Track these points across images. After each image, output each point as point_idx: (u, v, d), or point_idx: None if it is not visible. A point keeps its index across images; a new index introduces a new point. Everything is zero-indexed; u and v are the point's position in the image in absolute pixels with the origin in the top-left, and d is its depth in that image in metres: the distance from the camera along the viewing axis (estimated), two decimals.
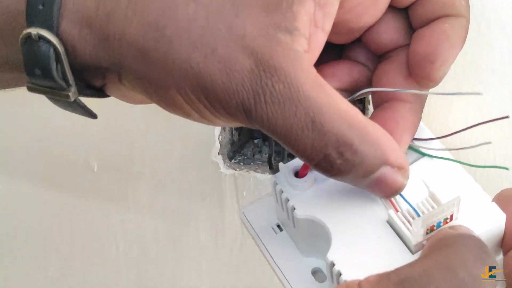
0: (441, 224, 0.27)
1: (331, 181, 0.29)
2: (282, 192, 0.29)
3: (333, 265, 0.27)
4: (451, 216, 0.27)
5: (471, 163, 0.30)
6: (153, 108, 0.47)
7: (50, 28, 0.25)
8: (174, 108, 0.26)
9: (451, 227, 0.26)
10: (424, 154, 0.30)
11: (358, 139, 0.25)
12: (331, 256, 0.27)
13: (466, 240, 0.24)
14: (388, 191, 0.27)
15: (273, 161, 0.46)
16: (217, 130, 0.48)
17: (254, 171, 0.48)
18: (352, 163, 0.25)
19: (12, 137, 0.55)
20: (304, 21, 0.24)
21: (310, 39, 0.25)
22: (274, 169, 0.43)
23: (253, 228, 0.32)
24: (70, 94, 0.26)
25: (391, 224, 0.28)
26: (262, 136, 0.50)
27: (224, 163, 0.49)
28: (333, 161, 0.25)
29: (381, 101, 0.30)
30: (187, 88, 0.25)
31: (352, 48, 0.31)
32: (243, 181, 0.50)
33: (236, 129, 0.49)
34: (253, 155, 0.50)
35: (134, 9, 0.25)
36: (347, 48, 0.32)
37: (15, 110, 0.52)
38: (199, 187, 0.52)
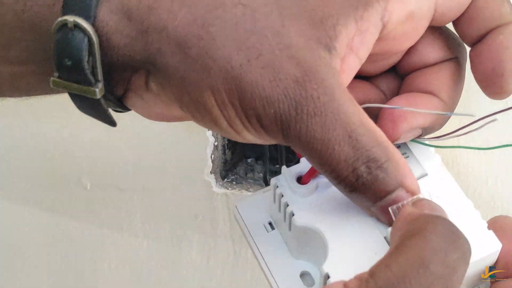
0: None
1: (332, 190, 0.29)
2: (282, 196, 0.29)
3: (328, 277, 0.27)
4: None
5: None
6: (146, 127, 0.49)
7: (87, 17, 0.24)
8: (203, 113, 0.25)
9: (414, 204, 0.26)
10: (429, 145, 0.30)
11: (384, 156, 0.25)
12: (327, 268, 0.27)
13: (434, 224, 0.24)
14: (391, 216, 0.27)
15: (268, 179, 0.47)
16: (210, 148, 0.48)
17: (246, 190, 0.48)
18: (376, 179, 0.25)
19: (4, 155, 0.55)
20: (342, 42, 0.25)
21: (343, 62, 0.25)
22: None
23: (245, 224, 0.31)
24: (97, 90, 0.25)
25: (388, 241, 0.28)
26: (255, 155, 0.50)
27: (216, 182, 0.49)
28: (360, 175, 0.25)
29: (479, 33, 0.29)
30: (222, 89, 0.24)
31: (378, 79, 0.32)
32: (235, 200, 0.50)
33: (229, 147, 0.49)
34: (246, 174, 0.50)
35: (181, 3, 0.24)
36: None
37: (7, 128, 0.53)
38: (192, 206, 0.51)
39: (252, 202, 0.32)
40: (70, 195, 0.54)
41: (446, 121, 0.30)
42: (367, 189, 0.25)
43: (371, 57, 0.27)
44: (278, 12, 0.24)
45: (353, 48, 0.25)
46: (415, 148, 0.31)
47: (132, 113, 0.29)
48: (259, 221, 0.31)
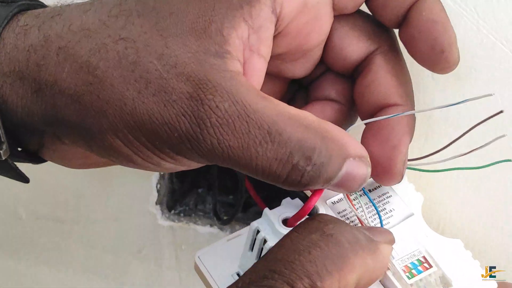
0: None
1: None
2: (266, 241, 0.28)
3: None
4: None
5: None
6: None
7: None
8: (115, 155, 0.25)
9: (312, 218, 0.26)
10: (424, 171, 0.30)
11: (319, 139, 0.25)
12: None
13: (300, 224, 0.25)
14: (355, 185, 0.27)
15: (218, 211, 0.45)
16: (155, 177, 0.46)
17: (194, 223, 0.47)
18: (320, 166, 0.25)
19: None
20: (236, 45, 0.25)
21: (246, 64, 0.25)
22: (222, 220, 0.43)
23: (211, 276, 0.30)
24: (1, 152, 0.26)
25: (384, 284, 0.28)
26: (207, 184, 0.49)
27: (162, 214, 0.47)
28: (303, 169, 0.25)
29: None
30: (123, 128, 0.24)
31: (319, 85, 0.32)
32: (182, 234, 0.48)
33: (177, 176, 0.47)
34: (196, 205, 0.49)
35: (65, 54, 0.25)
36: (313, 88, 0.32)
37: None
38: (135, 239, 0.50)
39: (216, 251, 0.31)
40: (3, 225, 0.53)
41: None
42: (317, 178, 0.25)
43: (287, 57, 0.28)
44: (159, 35, 0.25)
45: (253, 48, 0.25)
46: (396, 186, 0.31)
47: None
48: (226, 273, 0.30)
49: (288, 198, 0.30)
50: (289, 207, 0.29)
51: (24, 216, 0.52)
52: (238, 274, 0.30)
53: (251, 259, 0.29)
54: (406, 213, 0.31)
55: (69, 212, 0.51)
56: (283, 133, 0.24)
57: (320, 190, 0.28)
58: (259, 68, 0.26)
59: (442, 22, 0.28)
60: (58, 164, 0.29)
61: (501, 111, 0.28)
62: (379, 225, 0.30)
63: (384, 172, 0.29)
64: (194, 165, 0.26)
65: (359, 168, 0.26)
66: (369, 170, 0.27)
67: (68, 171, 0.47)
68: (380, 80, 0.29)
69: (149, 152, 0.25)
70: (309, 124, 0.25)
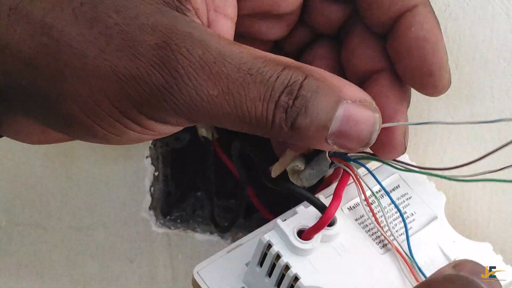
0: None
1: (334, 243, 0.28)
2: (280, 257, 0.27)
3: None
4: None
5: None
6: (72, 154, 0.46)
7: None
8: (73, 126, 0.25)
9: (455, 266, 0.25)
10: (458, 180, 0.29)
11: (302, 75, 0.25)
12: None
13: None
14: (363, 132, 0.26)
15: (216, 217, 0.44)
16: (148, 179, 0.45)
17: (193, 230, 0.45)
18: (306, 100, 0.24)
19: None
20: (198, 3, 0.25)
21: (212, 26, 0.26)
22: (221, 228, 0.43)
23: None
24: None
25: None
26: (206, 187, 0.47)
27: (156, 220, 0.46)
28: (285, 104, 0.24)
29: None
30: (84, 92, 0.24)
31: (308, 54, 0.32)
32: (178, 242, 0.47)
33: (173, 178, 0.46)
34: (194, 210, 0.47)
35: (17, 15, 0.24)
36: (302, 58, 0.32)
37: None
38: (126, 249, 0.48)
39: (217, 265, 0.30)
40: None
41: None
42: (305, 117, 0.24)
43: (258, 18, 0.28)
44: None
45: (218, 9, 0.26)
46: (416, 185, 0.31)
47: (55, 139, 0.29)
48: None
49: (302, 207, 0.29)
50: (304, 217, 0.28)
51: (4, 223, 0.51)
52: None
53: (260, 276, 0.29)
54: (429, 216, 0.31)
55: (52, 218, 0.49)
56: (264, 72, 0.24)
57: (339, 196, 0.28)
58: (226, 30, 0.26)
59: (434, 40, 0.27)
60: (16, 139, 0.28)
61: None
62: (402, 230, 0.30)
63: (384, 145, 0.28)
64: (164, 130, 0.26)
65: (361, 111, 0.25)
66: (377, 115, 0.26)
67: (49, 174, 0.47)
68: (365, 44, 0.29)
69: (112, 120, 0.24)
70: (292, 63, 0.25)
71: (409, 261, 0.29)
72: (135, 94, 0.24)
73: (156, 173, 0.44)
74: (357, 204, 0.31)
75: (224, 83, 0.24)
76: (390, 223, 0.30)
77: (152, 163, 0.44)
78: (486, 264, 0.27)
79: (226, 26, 0.26)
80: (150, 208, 0.45)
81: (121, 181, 0.45)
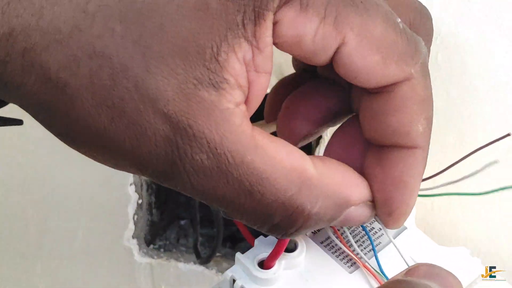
0: None
1: (300, 268, 0.28)
2: None
3: None
4: None
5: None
6: (53, 178, 0.44)
7: None
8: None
9: (407, 272, 0.25)
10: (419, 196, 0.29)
11: (311, 199, 0.24)
12: None
13: None
14: (353, 224, 0.27)
15: (199, 248, 0.43)
16: (132, 208, 0.44)
17: (176, 259, 0.45)
18: (308, 225, 0.25)
19: None
20: (236, 70, 0.23)
21: (251, 86, 0.24)
22: (202, 259, 0.41)
23: None
24: None
25: None
26: (191, 216, 0.46)
27: (139, 249, 0.45)
28: (284, 231, 0.25)
29: (380, 142, 0.27)
30: (93, 151, 0.24)
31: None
32: (161, 272, 0.46)
33: (157, 206, 0.45)
34: (178, 239, 0.47)
35: (31, 59, 0.23)
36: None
37: None
38: (108, 278, 0.48)
39: None
40: None
41: None
42: (304, 231, 0.25)
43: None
44: (141, 54, 0.23)
45: (259, 69, 0.23)
46: None
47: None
48: None
49: (261, 237, 0.29)
50: (263, 246, 0.28)
51: None
52: None
53: None
54: (399, 229, 0.30)
55: (31, 246, 0.47)
56: (265, 195, 0.23)
57: None
58: (264, 85, 0.25)
59: (410, 188, 0.27)
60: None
61: (509, 134, 0.28)
62: (369, 247, 0.30)
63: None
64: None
65: (361, 213, 0.26)
66: (373, 212, 0.26)
67: (29, 199, 0.46)
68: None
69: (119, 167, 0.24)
70: (304, 181, 0.24)
71: (379, 277, 0.29)
72: (139, 170, 0.24)
73: (140, 201, 0.44)
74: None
75: (221, 189, 0.24)
76: (357, 241, 0.30)
77: (136, 191, 0.43)
78: (465, 268, 0.28)
79: (263, 82, 0.25)
80: (133, 237, 0.44)
81: (103, 208, 0.44)
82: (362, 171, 0.27)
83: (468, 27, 0.38)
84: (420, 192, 0.29)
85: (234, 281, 0.28)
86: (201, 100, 0.22)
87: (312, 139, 0.30)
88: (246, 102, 0.24)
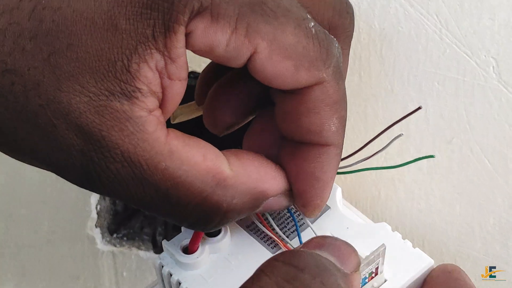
0: (366, 280, 0.28)
1: (226, 250, 0.29)
2: (171, 275, 0.28)
3: None
4: (376, 270, 0.28)
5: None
6: (18, 170, 0.45)
7: None
8: None
9: (303, 246, 0.26)
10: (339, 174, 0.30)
11: (227, 198, 0.25)
12: None
13: (272, 262, 0.24)
14: (275, 211, 0.28)
15: (157, 238, 0.45)
16: (94, 197, 0.45)
17: (137, 247, 0.46)
18: (227, 219, 0.25)
19: None
20: (149, 78, 0.23)
21: (166, 92, 0.24)
22: (158, 248, 0.43)
23: None
24: None
25: None
26: None
27: (102, 238, 0.46)
28: (205, 224, 0.25)
29: (295, 138, 0.28)
30: (15, 157, 0.25)
31: None
32: (123, 260, 0.47)
33: None
34: (142, 228, 0.48)
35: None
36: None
37: None
38: (72, 266, 0.48)
39: None
40: None
41: None
42: (224, 224, 0.26)
43: None
44: (52, 72, 0.23)
45: (173, 76, 0.24)
46: None
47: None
48: None
49: None
50: (189, 232, 0.28)
51: None
52: None
53: None
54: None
55: None
56: (181, 198, 0.24)
57: None
58: (180, 92, 0.25)
59: (323, 182, 0.27)
60: None
61: (420, 107, 0.29)
62: (293, 228, 0.30)
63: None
64: None
65: (279, 202, 0.27)
66: (291, 200, 0.27)
67: None
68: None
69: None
70: (220, 180, 0.25)
71: None
72: (64, 176, 0.25)
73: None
74: None
75: (139, 196, 0.24)
76: (282, 222, 0.30)
77: None
78: (386, 242, 0.29)
79: (178, 88, 0.25)
80: (96, 226, 0.45)
81: (66, 198, 0.45)
82: (279, 161, 0.28)
83: (410, 21, 0.38)
84: (340, 170, 0.30)
85: (162, 266, 0.29)
86: (113, 111, 0.23)
87: (237, 127, 0.30)
88: (162, 107, 0.24)
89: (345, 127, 0.27)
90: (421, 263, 0.29)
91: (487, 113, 0.39)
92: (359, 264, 0.26)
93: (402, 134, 0.30)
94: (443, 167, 0.42)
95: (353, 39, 0.33)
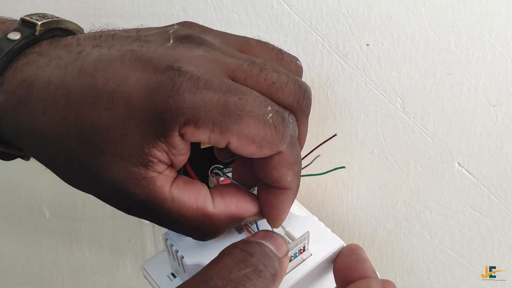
0: (297, 254, 0.30)
1: None
2: (172, 245, 0.31)
3: None
4: (304, 248, 0.30)
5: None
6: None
7: None
8: None
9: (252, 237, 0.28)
10: None
11: (213, 226, 0.28)
12: None
13: (231, 248, 0.26)
14: (250, 223, 0.31)
15: None
16: None
17: None
18: (215, 236, 0.29)
19: None
20: (158, 155, 0.26)
21: (172, 160, 0.27)
22: None
23: (152, 278, 0.34)
24: None
25: None
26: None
27: None
28: (202, 239, 0.29)
29: (265, 182, 0.29)
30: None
31: None
32: (159, 228, 0.53)
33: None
34: None
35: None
36: None
37: None
38: (126, 232, 0.55)
39: (156, 260, 0.35)
40: (32, 223, 0.57)
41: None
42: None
43: None
44: (100, 151, 0.27)
45: (175, 154, 0.27)
46: None
47: None
48: (163, 274, 0.33)
49: None
50: None
51: (48, 215, 0.56)
52: (172, 274, 0.33)
53: (172, 261, 0.32)
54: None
55: (78, 212, 0.54)
56: (180, 226, 0.27)
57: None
58: (183, 159, 0.27)
59: (283, 210, 0.29)
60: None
61: (335, 135, 0.32)
62: None
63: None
64: None
65: (252, 219, 0.30)
66: (262, 218, 0.30)
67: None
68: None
69: None
70: (205, 217, 0.27)
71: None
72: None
73: None
74: None
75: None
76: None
77: None
78: (313, 229, 0.31)
79: (181, 159, 0.27)
80: None
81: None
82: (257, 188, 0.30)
83: (346, 73, 0.42)
84: None
85: (167, 239, 0.31)
86: (134, 173, 0.26)
87: (232, 158, 0.32)
88: (172, 166, 0.27)
89: (299, 177, 0.29)
90: (335, 242, 0.31)
91: (395, 133, 0.44)
92: (287, 251, 0.28)
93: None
94: (366, 170, 0.46)
95: (308, 83, 0.36)
